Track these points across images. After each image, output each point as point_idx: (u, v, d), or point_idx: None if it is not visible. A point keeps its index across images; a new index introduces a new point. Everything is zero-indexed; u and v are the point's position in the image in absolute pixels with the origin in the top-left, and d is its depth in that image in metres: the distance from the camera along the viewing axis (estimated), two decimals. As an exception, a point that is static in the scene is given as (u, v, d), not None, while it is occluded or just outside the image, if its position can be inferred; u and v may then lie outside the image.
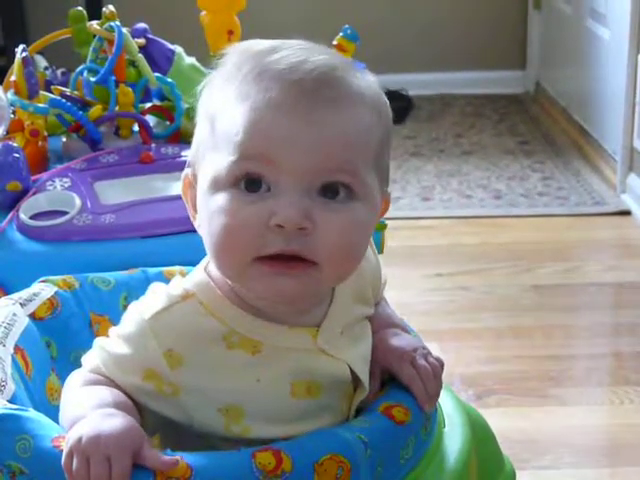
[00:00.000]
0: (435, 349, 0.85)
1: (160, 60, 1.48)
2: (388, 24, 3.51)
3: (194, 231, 0.79)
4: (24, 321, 0.87)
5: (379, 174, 0.76)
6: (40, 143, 1.31)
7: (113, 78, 1.34)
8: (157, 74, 1.40)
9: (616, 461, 1.52)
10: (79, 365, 0.79)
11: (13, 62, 1.33)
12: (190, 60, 1.50)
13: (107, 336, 0.78)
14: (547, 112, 3.35)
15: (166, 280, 0.89)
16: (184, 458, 0.68)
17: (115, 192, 1.20)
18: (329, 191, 0.73)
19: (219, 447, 0.74)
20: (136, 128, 1.35)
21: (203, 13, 1.44)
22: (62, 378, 0.84)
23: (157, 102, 1.44)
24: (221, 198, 0.73)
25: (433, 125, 3.26)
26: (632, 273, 2.15)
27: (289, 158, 0.71)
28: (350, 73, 0.75)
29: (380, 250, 1.09)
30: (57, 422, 0.74)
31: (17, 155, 1.18)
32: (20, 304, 0.89)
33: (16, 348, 0.83)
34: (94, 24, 1.39)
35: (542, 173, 2.79)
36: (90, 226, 1.13)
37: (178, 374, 0.74)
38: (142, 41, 1.46)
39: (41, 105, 1.30)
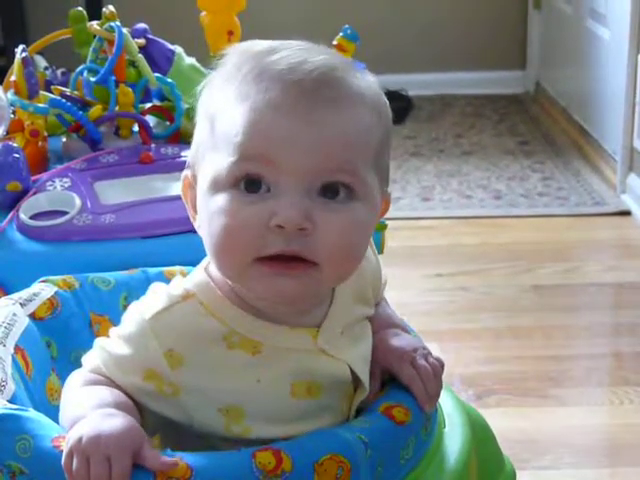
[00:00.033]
0: (435, 349, 0.85)
1: (160, 60, 1.48)
2: (388, 24, 3.51)
3: (194, 231, 0.79)
4: (24, 321, 0.87)
5: (379, 174, 0.76)
6: (40, 143, 1.31)
7: (113, 78, 1.34)
8: (157, 74, 1.40)
9: (616, 461, 1.52)
10: (79, 365, 0.79)
11: (13, 62, 1.33)
12: (190, 60, 1.50)
13: (107, 336, 0.78)
14: (547, 112, 3.35)
15: (166, 280, 0.89)
16: (184, 458, 0.68)
17: (115, 192, 1.20)
18: (329, 191, 0.73)
19: (219, 447, 0.74)
20: (136, 128, 1.35)
21: (203, 13, 1.44)
22: (62, 378, 0.84)
23: (157, 102, 1.44)
24: (221, 199, 0.73)
25: (433, 125, 3.26)
26: (632, 273, 2.15)
27: (289, 158, 0.71)
28: (350, 73, 0.75)
29: (380, 250, 1.09)
30: (57, 422, 0.74)
31: (17, 155, 1.18)
32: (20, 304, 0.89)
33: (16, 348, 0.83)
34: (94, 24, 1.39)
35: (542, 173, 2.79)
36: (90, 226, 1.13)
37: (178, 374, 0.74)
38: (142, 41, 1.46)
39: (41, 105, 1.30)
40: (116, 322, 0.84)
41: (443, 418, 0.86)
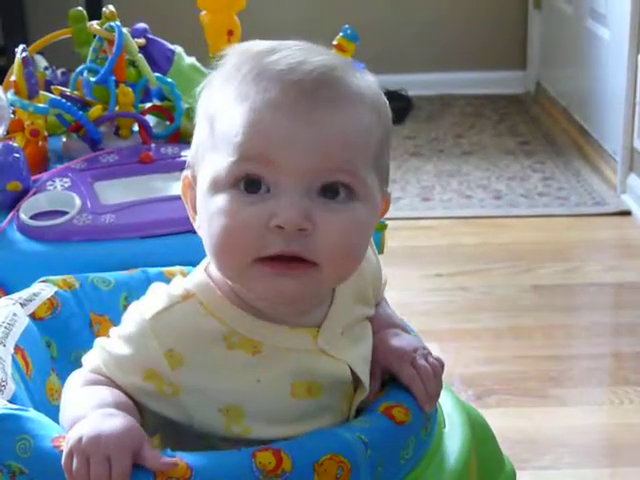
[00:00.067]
0: (435, 349, 0.85)
1: (160, 60, 1.48)
2: (388, 24, 3.51)
3: (194, 231, 0.79)
4: (24, 321, 0.87)
5: (379, 174, 0.76)
6: (40, 143, 1.31)
7: (113, 78, 1.34)
8: (157, 74, 1.40)
9: (616, 461, 1.52)
10: (79, 365, 0.79)
11: (13, 62, 1.33)
12: (190, 60, 1.50)
13: (108, 336, 0.78)
14: (547, 112, 3.35)
15: (167, 280, 0.89)
16: (184, 458, 0.68)
17: (115, 192, 1.20)
18: (329, 191, 0.72)
19: (219, 447, 0.74)
20: (136, 128, 1.35)
21: (203, 13, 1.44)
22: (62, 378, 0.84)
23: (157, 102, 1.44)
24: (221, 199, 0.73)
25: (433, 125, 3.26)
26: (632, 273, 2.15)
27: (289, 158, 0.71)
28: (349, 73, 0.74)
29: (380, 250, 1.09)
30: (57, 422, 0.74)
31: (17, 155, 1.18)
32: (20, 304, 0.89)
33: (16, 348, 0.83)
34: (94, 24, 1.39)
35: (542, 173, 2.79)
36: (90, 226, 1.13)
37: (179, 374, 0.74)
38: (142, 41, 1.46)
39: (41, 105, 1.30)
40: (116, 322, 0.84)
41: (443, 418, 0.86)
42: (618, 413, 1.63)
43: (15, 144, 1.20)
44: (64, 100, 1.31)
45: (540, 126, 3.23)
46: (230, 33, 1.42)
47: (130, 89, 1.34)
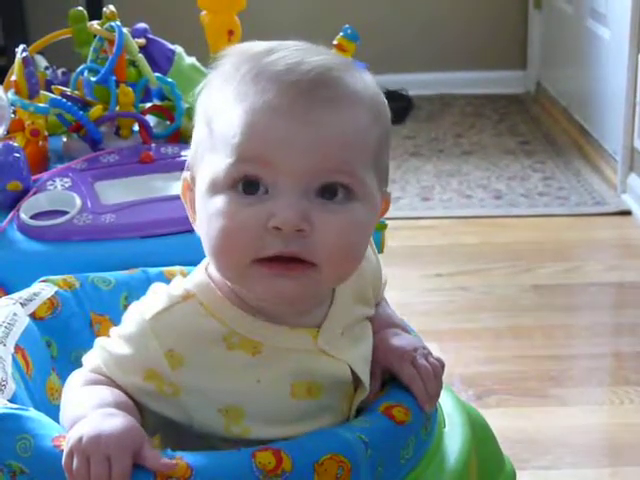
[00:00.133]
0: (435, 349, 0.85)
1: (160, 60, 1.48)
2: (388, 24, 3.51)
3: (194, 231, 0.79)
4: (24, 321, 0.87)
5: (378, 174, 0.76)
6: (41, 143, 1.31)
7: (113, 78, 1.34)
8: (157, 74, 1.40)
9: (616, 461, 1.52)
10: (79, 365, 0.79)
11: (13, 62, 1.33)
12: (190, 60, 1.50)
13: (108, 336, 0.78)
14: (548, 112, 3.35)
15: (167, 280, 0.89)
16: (184, 458, 0.68)
17: (115, 192, 1.20)
18: (327, 192, 0.72)
19: (219, 447, 0.74)
20: (136, 128, 1.35)
21: (203, 13, 1.44)
22: (62, 378, 0.84)
23: (157, 102, 1.44)
24: (219, 200, 0.73)
25: (433, 125, 3.26)
26: (632, 273, 2.15)
27: (286, 159, 0.71)
28: (347, 73, 0.74)
29: (380, 250, 1.09)
30: (57, 422, 0.74)
31: (18, 155, 1.18)
32: (20, 304, 0.89)
33: (17, 348, 0.83)
34: (94, 24, 1.39)
35: (542, 173, 2.79)
36: (90, 226, 1.13)
37: (179, 374, 0.74)
38: (142, 41, 1.46)
39: (42, 105, 1.30)
40: (116, 322, 0.84)
41: (443, 418, 0.86)
42: (618, 413, 1.63)
43: (15, 144, 1.21)
44: (64, 100, 1.31)
45: (540, 126, 3.23)
46: (230, 33, 1.42)
47: (130, 89, 1.34)
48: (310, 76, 0.71)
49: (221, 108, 0.74)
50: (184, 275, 0.82)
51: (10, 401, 0.75)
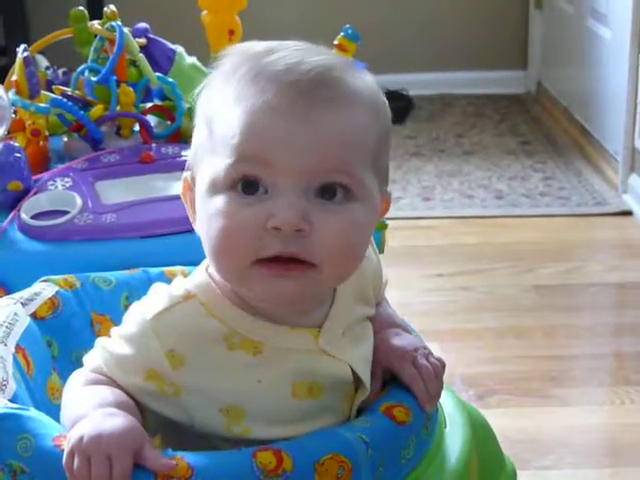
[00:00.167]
0: (436, 349, 0.85)
1: (161, 60, 1.48)
2: (388, 24, 3.51)
3: (194, 231, 0.79)
4: (25, 320, 0.87)
5: (378, 174, 0.76)
6: (41, 143, 1.31)
7: (114, 78, 1.34)
8: (158, 74, 1.40)
9: (617, 461, 1.52)
10: (80, 365, 0.79)
11: (14, 62, 1.33)
12: (191, 60, 1.50)
13: (109, 336, 0.78)
14: (548, 112, 3.35)
15: (168, 280, 0.89)
16: (185, 458, 0.68)
17: (116, 192, 1.20)
18: (326, 192, 0.72)
19: (220, 447, 0.74)
20: (137, 128, 1.35)
21: (204, 13, 1.44)
22: (63, 377, 0.84)
23: (158, 102, 1.44)
24: (219, 201, 0.72)
25: (434, 125, 3.26)
26: (633, 273, 2.15)
27: (286, 159, 0.71)
28: (347, 73, 0.74)
29: (381, 250, 1.09)
30: (58, 421, 0.74)
31: (18, 155, 1.18)
32: (21, 304, 0.89)
33: (17, 347, 0.83)
34: (95, 24, 1.39)
35: (543, 173, 2.79)
36: (91, 226, 1.13)
37: (180, 374, 0.74)
38: (143, 41, 1.46)
39: (42, 105, 1.30)
40: (117, 322, 0.84)
41: (444, 418, 0.86)
42: (619, 413, 1.63)
43: (16, 144, 1.21)
44: (65, 100, 1.31)
45: (541, 126, 3.23)
46: (231, 33, 1.42)
47: (131, 89, 1.34)
48: (309, 76, 0.71)
49: (221, 108, 0.74)
50: (185, 275, 0.82)
51: (11, 401, 0.75)
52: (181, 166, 0.86)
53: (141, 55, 1.39)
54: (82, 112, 1.30)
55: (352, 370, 0.78)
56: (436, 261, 2.23)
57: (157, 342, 0.74)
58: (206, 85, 0.78)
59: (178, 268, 0.97)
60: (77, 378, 0.77)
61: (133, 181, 1.23)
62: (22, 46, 1.33)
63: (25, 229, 1.13)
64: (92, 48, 1.39)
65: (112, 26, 1.36)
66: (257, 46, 0.76)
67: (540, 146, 3.03)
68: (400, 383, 0.79)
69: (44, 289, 0.92)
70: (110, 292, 0.95)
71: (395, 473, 0.75)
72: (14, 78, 1.32)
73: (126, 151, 1.29)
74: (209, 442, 0.75)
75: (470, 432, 0.86)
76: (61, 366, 0.89)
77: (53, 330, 0.90)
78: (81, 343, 0.90)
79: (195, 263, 0.81)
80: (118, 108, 1.34)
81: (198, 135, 0.77)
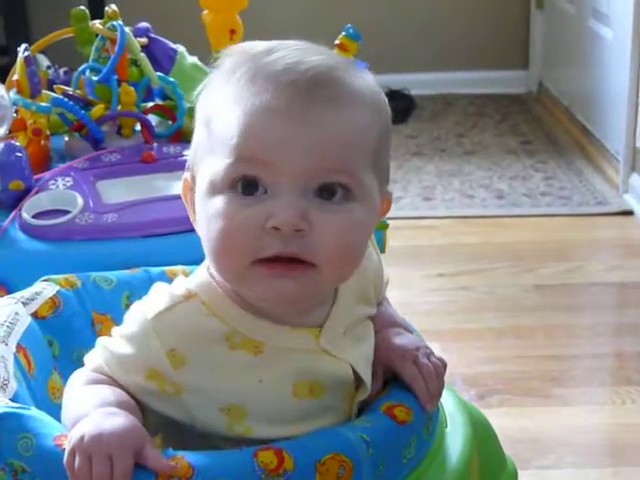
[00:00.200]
0: (436, 349, 0.84)
1: (162, 59, 1.48)
2: (389, 23, 3.51)
3: (195, 231, 0.79)
4: (26, 320, 0.87)
5: (378, 174, 0.76)
6: (42, 142, 1.31)
7: (115, 77, 1.34)
8: (159, 73, 1.40)
9: (618, 461, 1.52)
10: (81, 364, 0.79)
11: (15, 61, 1.33)
12: (192, 59, 1.50)
13: (110, 335, 0.78)
14: (550, 112, 3.35)
15: (169, 280, 0.89)
16: (186, 457, 0.68)
17: (117, 191, 1.20)
18: (326, 192, 0.72)
19: (221, 447, 0.74)
20: (138, 127, 1.35)
21: (205, 12, 1.44)
22: (64, 377, 0.84)
23: (159, 101, 1.44)
24: (218, 201, 0.72)
25: (435, 125, 3.26)
26: (635, 273, 2.15)
27: (285, 159, 0.71)
28: (347, 72, 0.74)
29: (382, 250, 1.09)
30: (59, 421, 0.74)
31: (19, 154, 1.18)
32: (22, 303, 0.89)
33: (18, 347, 0.83)
34: (96, 23, 1.39)
35: (544, 173, 2.79)
36: (92, 225, 1.13)
37: (181, 374, 0.74)
38: (144, 40, 1.46)
39: (44, 104, 1.30)
40: (118, 321, 0.84)
41: (445, 418, 0.86)
42: (620, 413, 1.63)
43: (17, 143, 1.21)
44: (66, 99, 1.31)
45: (542, 126, 3.23)
46: (232, 32, 1.42)
47: (132, 88, 1.34)
48: (308, 75, 0.71)
49: (220, 109, 0.74)
50: (186, 275, 0.82)
51: (12, 400, 0.75)
52: (182, 166, 0.86)
53: (142, 54, 1.39)
54: (83, 111, 1.31)
55: (353, 370, 0.78)
56: (437, 261, 2.23)
57: (158, 341, 0.74)
58: (206, 85, 0.78)
59: (179, 268, 0.97)
60: (78, 377, 0.77)
61: (134, 181, 1.23)
62: (23, 45, 1.33)
63: (26, 228, 1.13)
64: (93, 47, 1.39)
65: (113, 25, 1.36)
66: (257, 46, 0.76)
67: (541, 146, 3.03)
68: (401, 383, 0.79)
69: (45, 288, 0.92)
70: (111, 292, 0.95)
71: (396, 473, 0.75)
72: (15, 77, 1.32)
73: (127, 150, 1.29)
74: (210, 442, 0.75)
75: (471, 432, 0.86)
76: (62, 365, 0.89)
77: (54, 329, 0.90)
78: (82, 343, 0.90)
79: (196, 263, 0.81)
80: (119, 107, 1.34)
81: (198, 135, 0.77)
